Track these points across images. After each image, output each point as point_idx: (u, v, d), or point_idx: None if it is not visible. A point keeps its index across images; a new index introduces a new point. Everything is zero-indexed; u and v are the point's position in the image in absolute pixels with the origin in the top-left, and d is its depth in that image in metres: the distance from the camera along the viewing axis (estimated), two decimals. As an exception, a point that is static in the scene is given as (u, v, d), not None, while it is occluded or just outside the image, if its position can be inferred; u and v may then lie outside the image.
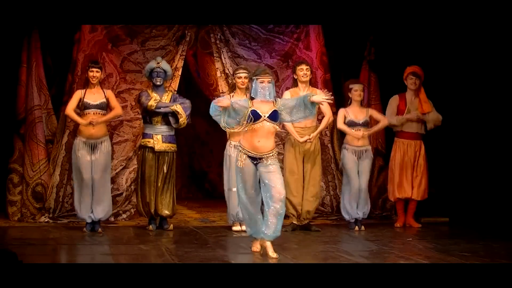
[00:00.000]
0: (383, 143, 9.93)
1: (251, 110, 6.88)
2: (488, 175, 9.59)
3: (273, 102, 6.96)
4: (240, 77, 8.65)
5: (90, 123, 8.31)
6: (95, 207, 8.40)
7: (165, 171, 8.59)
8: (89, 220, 8.40)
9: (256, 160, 6.92)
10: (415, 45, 9.78)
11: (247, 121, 6.87)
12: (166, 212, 8.63)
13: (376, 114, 9.17)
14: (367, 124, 9.05)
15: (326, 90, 7.41)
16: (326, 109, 8.78)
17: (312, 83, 8.92)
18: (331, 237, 8.35)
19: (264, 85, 6.93)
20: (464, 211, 9.60)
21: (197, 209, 10.60)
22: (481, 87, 9.62)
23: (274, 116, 6.92)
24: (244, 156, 6.93)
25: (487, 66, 9.53)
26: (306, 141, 8.61)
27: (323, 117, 8.84)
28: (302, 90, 8.57)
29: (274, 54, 9.77)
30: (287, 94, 8.60)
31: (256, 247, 7.09)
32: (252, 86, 7.01)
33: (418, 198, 9.25)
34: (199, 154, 12.42)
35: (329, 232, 8.75)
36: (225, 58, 9.55)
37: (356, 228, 8.87)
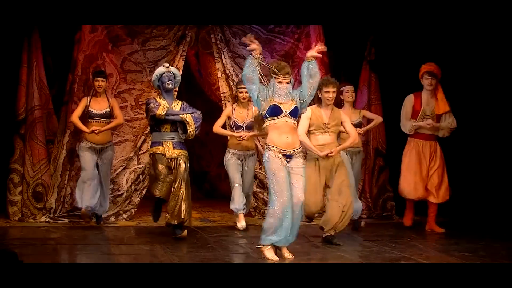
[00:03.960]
0: (383, 143, 9.92)
1: (272, 105, 6.87)
2: (489, 176, 9.60)
3: (291, 99, 6.95)
4: (241, 92, 8.73)
5: (93, 132, 8.56)
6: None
7: (182, 176, 8.11)
8: (83, 206, 8.61)
9: (289, 157, 6.91)
10: (416, 45, 9.78)
11: (267, 115, 6.85)
12: (179, 219, 8.10)
13: (369, 114, 9.16)
14: (361, 125, 8.99)
15: (318, 43, 7.23)
16: (350, 129, 8.22)
17: None
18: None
19: (281, 86, 6.91)
20: (464, 211, 9.60)
21: (197, 209, 10.58)
22: (482, 88, 9.62)
23: (294, 113, 6.93)
24: (277, 155, 6.85)
25: (488, 66, 9.54)
26: (327, 155, 7.93)
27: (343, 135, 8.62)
28: (324, 113, 8.45)
29: (274, 54, 9.77)
30: (307, 111, 7.91)
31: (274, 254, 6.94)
32: (270, 82, 6.94)
33: (439, 201, 8.96)
34: (199, 155, 12.41)
35: (330, 232, 8.74)
36: (225, 58, 9.55)
37: (363, 223, 8.95)
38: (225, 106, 9.43)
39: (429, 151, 8.98)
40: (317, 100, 7.97)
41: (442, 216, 9.69)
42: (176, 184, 8.05)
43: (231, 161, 8.90)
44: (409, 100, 8.99)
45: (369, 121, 9.21)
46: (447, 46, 9.79)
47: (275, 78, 6.90)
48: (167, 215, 8.06)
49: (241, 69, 9.34)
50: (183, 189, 8.09)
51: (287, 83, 6.92)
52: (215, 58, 9.66)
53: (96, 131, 8.59)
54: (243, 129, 8.76)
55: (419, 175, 8.98)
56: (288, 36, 9.83)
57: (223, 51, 9.57)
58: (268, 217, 6.88)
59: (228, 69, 9.52)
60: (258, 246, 6.98)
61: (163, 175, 7.96)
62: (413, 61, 9.32)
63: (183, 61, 9.53)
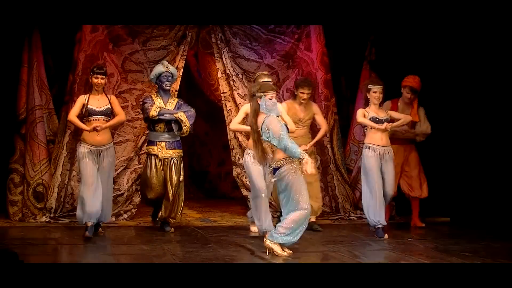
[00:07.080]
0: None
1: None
2: (489, 175, 9.60)
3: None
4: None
5: (94, 129, 8.09)
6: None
7: (174, 178, 8.43)
8: (90, 223, 8.12)
9: None
10: (416, 45, 9.78)
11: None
12: (171, 218, 8.53)
13: (395, 114, 8.76)
14: (389, 121, 8.66)
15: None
16: (322, 121, 8.94)
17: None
18: (332, 237, 8.35)
19: (273, 101, 7.21)
20: (465, 211, 9.60)
21: (198, 209, 10.60)
22: (481, 87, 9.62)
23: None
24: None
25: (487, 65, 9.54)
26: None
27: (318, 128, 8.91)
28: (299, 108, 8.77)
29: (274, 54, 9.77)
30: (283, 106, 8.55)
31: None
32: (261, 102, 7.17)
33: (421, 197, 9.18)
34: (199, 154, 12.42)
35: (330, 232, 8.75)
36: (226, 58, 9.55)
37: (386, 236, 8.29)
38: (225, 106, 9.43)
39: (402, 155, 9.16)
40: (292, 96, 8.94)
41: (443, 216, 9.71)
42: (169, 185, 8.42)
43: (254, 165, 8.07)
44: (387, 106, 9.11)
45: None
46: (447, 46, 9.79)
47: (266, 95, 7.20)
48: (162, 213, 8.53)
49: (241, 69, 9.45)
50: (173, 190, 8.43)
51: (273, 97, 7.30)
52: (216, 58, 9.66)
53: (97, 128, 8.06)
54: None
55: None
56: (288, 36, 9.81)
57: (223, 51, 9.56)
58: (291, 219, 7.07)
59: (229, 69, 9.52)
60: (268, 242, 7.12)
61: (153, 184, 8.41)
62: (413, 61, 9.33)
63: (184, 61, 9.52)
